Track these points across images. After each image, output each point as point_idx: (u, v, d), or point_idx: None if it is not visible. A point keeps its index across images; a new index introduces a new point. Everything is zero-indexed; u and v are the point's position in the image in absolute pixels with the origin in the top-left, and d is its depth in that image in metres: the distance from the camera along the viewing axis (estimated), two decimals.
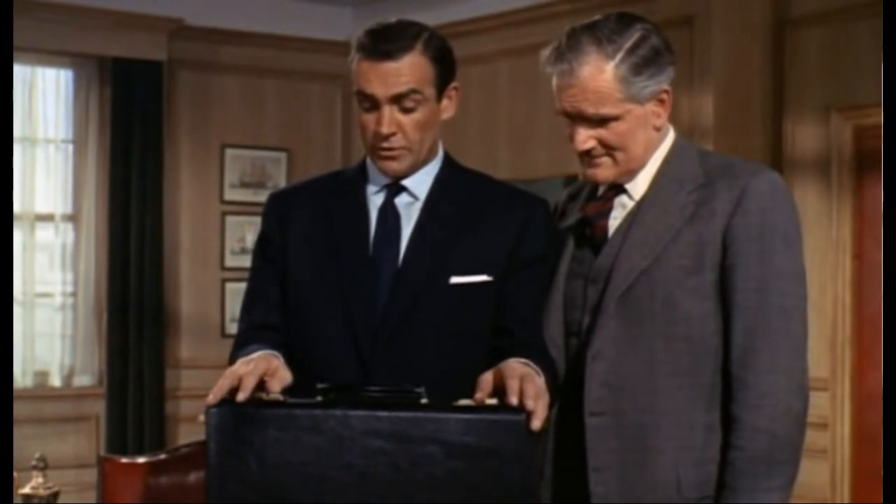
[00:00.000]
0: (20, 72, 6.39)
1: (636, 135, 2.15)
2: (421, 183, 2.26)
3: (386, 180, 2.26)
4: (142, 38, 6.70)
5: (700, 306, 2.10)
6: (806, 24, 5.54)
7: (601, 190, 2.26)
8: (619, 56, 2.09)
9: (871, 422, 5.28)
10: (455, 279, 2.19)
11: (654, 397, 2.11)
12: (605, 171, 2.18)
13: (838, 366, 5.43)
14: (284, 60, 7.20)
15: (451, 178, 2.29)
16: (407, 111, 2.17)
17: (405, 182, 2.25)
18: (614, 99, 2.10)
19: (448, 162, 2.32)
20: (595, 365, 2.13)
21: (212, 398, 1.93)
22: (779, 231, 2.10)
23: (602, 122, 2.12)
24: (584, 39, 2.11)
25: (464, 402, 1.97)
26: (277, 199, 2.37)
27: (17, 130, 6.35)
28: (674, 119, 2.27)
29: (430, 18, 7.27)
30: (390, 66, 2.14)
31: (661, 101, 2.17)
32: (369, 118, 2.18)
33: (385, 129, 2.16)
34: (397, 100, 2.15)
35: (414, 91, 2.16)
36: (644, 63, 2.11)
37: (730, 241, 2.09)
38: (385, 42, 2.15)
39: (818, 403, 5.42)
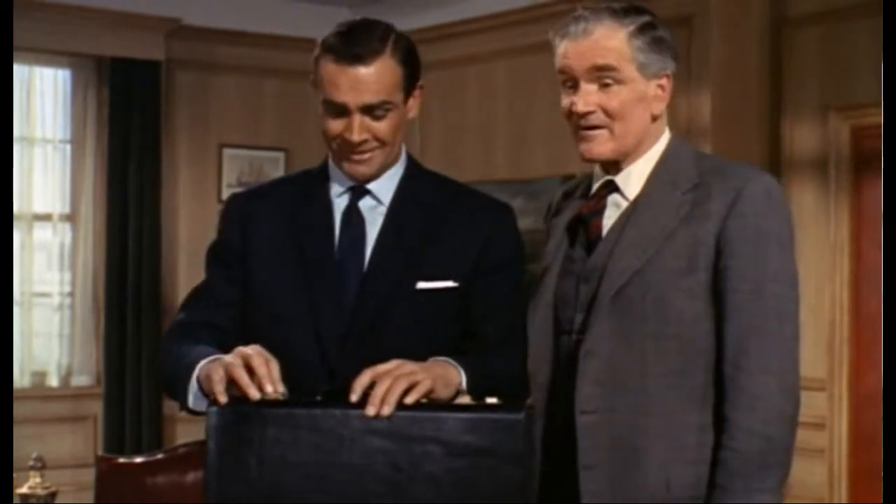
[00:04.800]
0: (18, 71, 6.38)
1: (635, 109, 2.17)
2: (385, 187, 2.23)
3: (350, 183, 2.23)
4: (140, 38, 6.70)
5: (692, 307, 2.10)
6: (804, 23, 5.55)
7: (595, 188, 2.26)
8: (633, 27, 2.16)
9: (868, 421, 5.29)
10: (422, 284, 2.17)
11: (645, 397, 2.10)
12: (600, 145, 2.18)
13: (836, 366, 5.43)
14: (282, 60, 7.20)
15: (416, 182, 2.26)
16: (377, 118, 2.14)
17: (369, 186, 2.22)
18: (624, 58, 2.14)
19: (411, 165, 2.29)
20: (587, 363, 2.13)
21: (222, 398, 1.91)
22: (773, 234, 2.10)
23: (606, 85, 2.15)
24: (603, 10, 2.18)
25: (463, 401, 1.97)
26: (239, 202, 2.32)
27: (15, 130, 6.35)
28: (671, 118, 2.27)
29: (428, 19, 7.24)
30: (361, 71, 2.10)
31: (662, 88, 2.19)
32: (336, 123, 2.14)
33: (356, 138, 2.13)
34: (368, 109, 2.12)
35: (385, 102, 2.13)
36: (653, 42, 2.17)
37: (724, 243, 2.10)
38: (355, 45, 2.11)
39: (816, 403, 5.42)
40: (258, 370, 1.91)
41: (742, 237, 2.09)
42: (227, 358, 1.95)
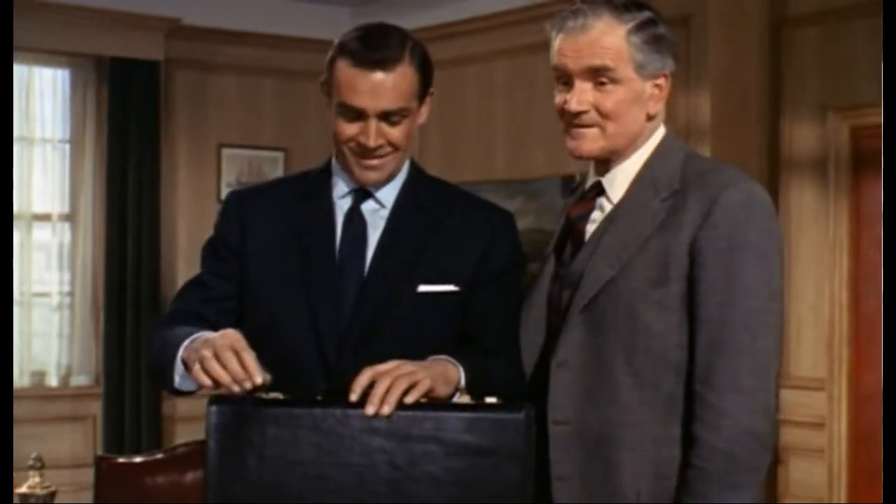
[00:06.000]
0: (17, 71, 6.37)
1: (631, 109, 2.12)
2: (387, 190, 2.24)
3: (353, 185, 2.23)
4: (139, 38, 6.70)
5: (663, 319, 2.04)
6: (803, 23, 5.55)
7: (588, 185, 2.23)
8: (633, 24, 2.09)
9: (868, 421, 5.29)
10: (423, 288, 2.17)
11: (616, 409, 2.06)
12: (590, 143, 2.13)
13: (835, 365, 5.44)
14: (281, 60, 7.20)
15: (418, 186, 2.27)
16: (393, 124, 2.14)
17: (370, 188, 2.23)
18: (621, 58, 2.09)
19: (414, 170, 2.29)
20: (560, 373, 2.09)
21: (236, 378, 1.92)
22: (749, 245, 2.02)
23: (601, 84, 2.10)
24: (602, 5, 2.11)
25: (462, 400, 1.97)
26: (239, 200, 2.31)
27: (15, 130, 6.34)
28: (670, 119, 2.25)
29: (427, 18, 7.23)
30: (380, 77, 2.10)
31: (659, 87, 2.14)
32: (350, 127, 2.14)
33: (373, 143, 2.13)
34: (384, 115, 2.13)
35: (402, 108, 2.14)
36: (652, 40, 2.11)
37: (696, 254, 2.03)
38: (375, 50, 2.11)
39: (815, 403, 5.43)
40: (228, 364, 1.90)
41: (714, 248, 2.02)
42: (202, 349, 1.95)
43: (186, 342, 2.05)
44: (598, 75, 2.10)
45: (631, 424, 2.06)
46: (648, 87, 2.13)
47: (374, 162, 2.17)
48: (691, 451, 2.02)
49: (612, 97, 2.10)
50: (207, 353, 1.92)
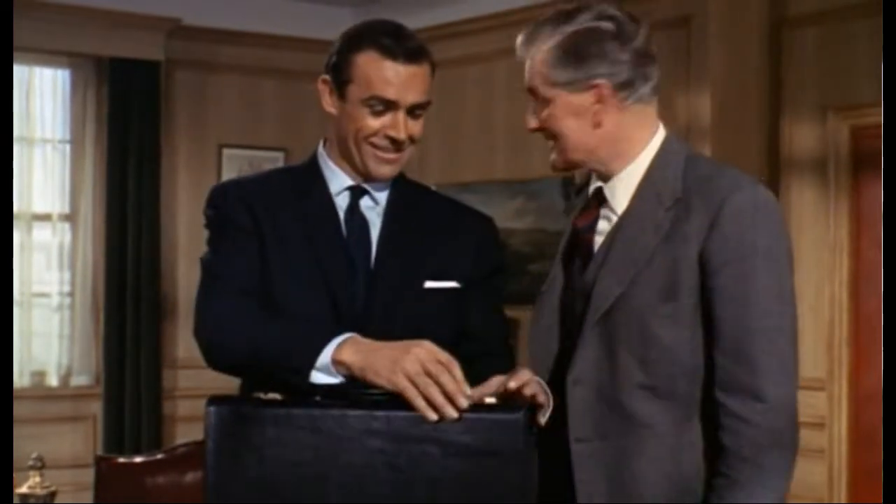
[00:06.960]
0: (17, 71, 6.37)
1: (567, 123, 2.11)
2: (381, 189, 2.25)
3: (349, 182, 2.23)
4: (139, 38, 6.71)
5: (674, 333, 2.03)
6: (803, 23, 5.55)
7: (590, 191, 2.21)
8: (556, 40, 2.10)
9: (868, 421, 5.29)
10: (430, 284, 2.20)
11: (635, 421, 2.06)
12: (554, 157, 2.18)
13: (835, 365, 5.44)
14: (282, 60, 7.21)
15: (406, 188, 2.29)
16: (416, 118, 2.17)
17: (367, 185, 2.23)
18: (542, 77, 2.12)
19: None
20: (576, 391, 2.08)
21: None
22: (759, 249, 2.01)
23: (541, 103, 2.13)
24: (532, 30, 2.17)
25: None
26: (237, 187, 2.29)
27: (15, 130, 6.34)
28: (671, 119, 2.25)
29: (428, 18, 7.22)
30: (413, 69, 2.13)
31: (598, 96, 2.10)
32: (377, 121, 2.15)
33: (403, 135, 2.15)
34: (412, 108, 2.15)
35: (428, 102, 2.18)
36: (576, 51, 2.08)
37: (705, 263, 2.02)
38: (407, 43, 2.14)
39: (816, 403, 5.43)
40: (447, 387, 1.87)
41: (723, 257, 2.01)
42: (403, 360, 1.90)
43: (338, 343, 1.98)
44: (535, 95, 2.15)
45: (650, 436, 2.05)
46: (586, 98, 2.10)
47: (394, 156, 2.18)
48: (717, 460, 2.02)
49: (547, 114, 2.13)
50: (416, 368, 1.89)
